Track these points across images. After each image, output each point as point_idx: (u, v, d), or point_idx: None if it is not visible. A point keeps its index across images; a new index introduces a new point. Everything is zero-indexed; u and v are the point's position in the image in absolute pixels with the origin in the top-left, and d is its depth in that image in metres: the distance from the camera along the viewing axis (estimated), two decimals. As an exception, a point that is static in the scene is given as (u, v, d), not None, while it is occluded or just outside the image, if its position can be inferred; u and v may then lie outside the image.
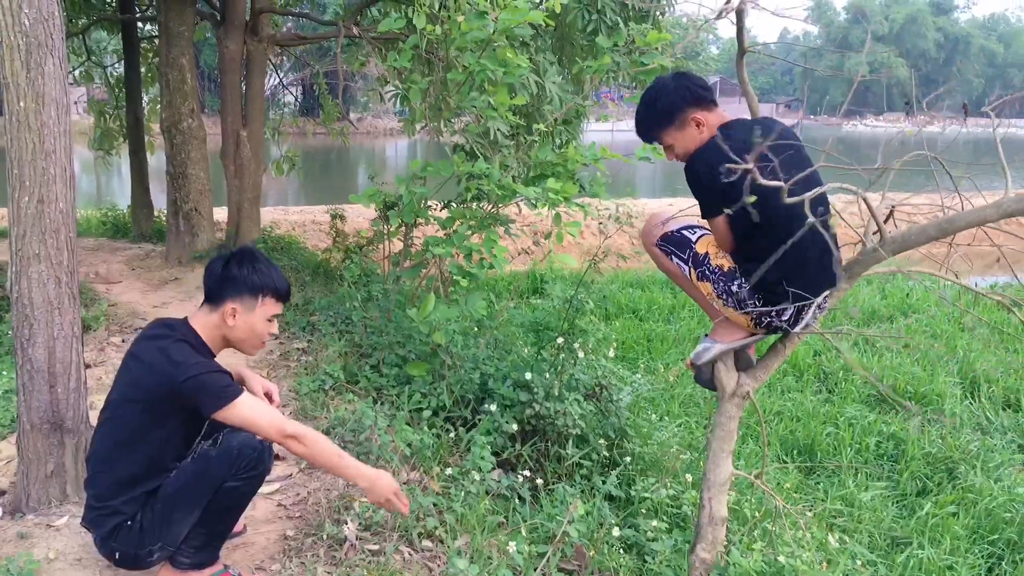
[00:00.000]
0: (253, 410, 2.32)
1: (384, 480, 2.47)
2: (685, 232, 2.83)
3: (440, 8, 4.59)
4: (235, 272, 2.42)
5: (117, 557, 2.39)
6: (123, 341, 5.18)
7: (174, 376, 2.25)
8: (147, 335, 2.42)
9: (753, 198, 1.86)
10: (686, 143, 2.71)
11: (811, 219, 1.81)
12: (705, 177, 2.58)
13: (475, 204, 4.65)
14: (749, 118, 2.90)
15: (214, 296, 2.44)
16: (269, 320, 2.49)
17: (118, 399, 2.38)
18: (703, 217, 2.72)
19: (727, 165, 1.77)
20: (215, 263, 2.46)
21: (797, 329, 2.72)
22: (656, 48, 4.57)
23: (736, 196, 2.38)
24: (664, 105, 2.70)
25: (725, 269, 2.70)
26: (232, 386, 2.32)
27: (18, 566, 2.45)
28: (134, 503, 2.35)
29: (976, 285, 2.93)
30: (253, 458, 2.34)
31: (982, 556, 4.08)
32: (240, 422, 2.31)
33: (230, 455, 2.32)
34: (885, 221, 2.60)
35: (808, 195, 1.86)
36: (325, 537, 2.83)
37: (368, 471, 2.46)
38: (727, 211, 2.37)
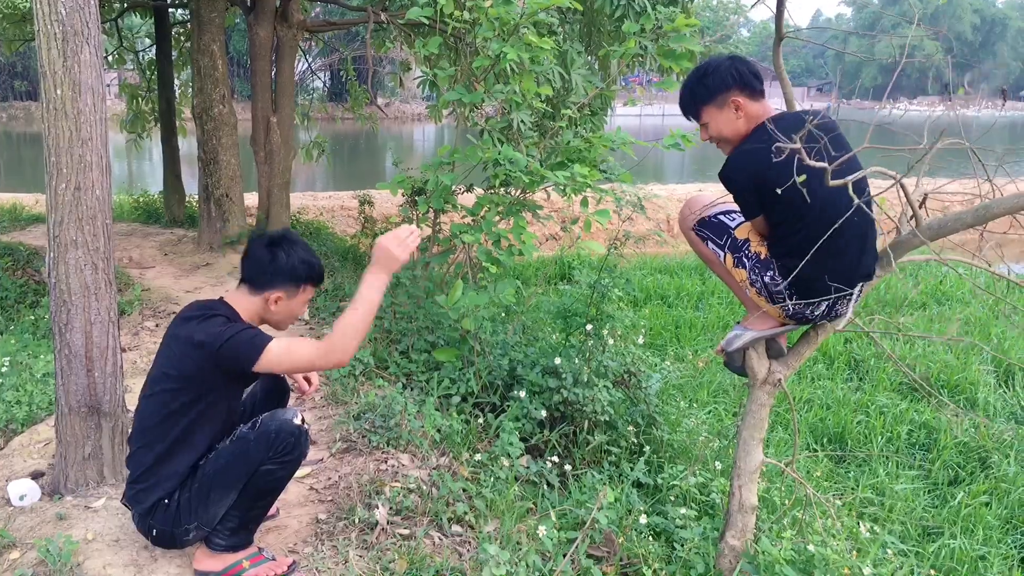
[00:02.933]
0: (289, 347, 2.34)
1: (385, 254, 2.39)
2: (723, 218, 2.81)
3: (468, -6, 4.57)
4: (283, 262, 2.47)
5: (154, 534, 2.44)
6: (156, 326, 5.26)
7: (210, 346, 2.31)
8: (184, 315, 2.47)
9: (803, 178, 1.84)
10: (720, 125, 2.70)
11: (857, 201, 1.79)
12: (740, 182, 2.60)
13: (503, 190, 4.64)
14: (787, 112, 2.86)
15: (258, 282, 2.49)
16: (305, 304, 2.60)
17: (157, 377, 2.43)
18: (744, 218, 2.72)
19: (777, 145, 1.75)
20: (259, 249, 2.49)
21: (838, 326, 2.69)
22: (684, 33, 4.52)
23: (771, 195, 2.37)
24: (709, 82, 2.68)
25: (762, 257, 2.68)
26: (261, 335, 2.36)
27: (57, 546, 2.50)
28: (172, 481, 2.40)
29: (1009, 272, 2.88)
30: (290, 442, 2.38)
31: (1015, 546, 4.04)
32: (279, 362, 2.32)
33: (268, 438, 2.35)
34: (919, 208, 2.56)
35: (850, 177, 1.84)
36: (356, 521, 2.86)
37: (377, 276, 2.39)
38: (778, 191, 2.35)
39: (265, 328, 2.51)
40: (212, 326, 2.36)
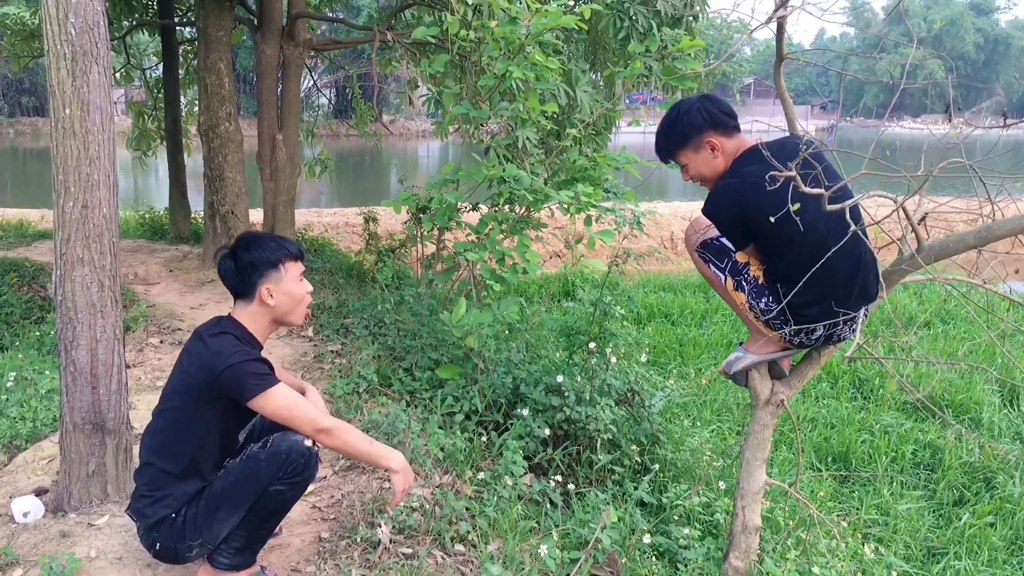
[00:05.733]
0: (289, 401, 2.36)
1: (408, 467, 2.51)
2: (725, 241, 2.82)
3: (473, 14, 4.61)
4: (248, 258, 2.47)
5: (157, 548, 2.44)
6: (161, 342, 5.27)
7: (215, 365, 2.32)
8: (198, 331, 2.49)
9: (797, 207, 1.86)
10: (699, 166, 2.74)
11: (853, 228, 1.80)
12: (724, 216, 2.64)
13: (507, 207, 4.66)
14: (772, 140, 2.87)
15: (242, 290, 2.50)
16: (299, 280, 2.54)
17: (169, 393, 2.45)
18: (735, 248, 2.74)
19: (772, 174, 1.76)
20: (225, 264, 2.51)
21: (846, 352, 2.69)
22: (689, 54, 4.56)
23: (757, 225, 2.38)
24: (682, 126, 2.71)
25: (760, 282, 2.69)
26: (270, 375, 2.37)
27: (60, 564, 2.50)
28: (180, 496, 2.41)
29: (1011, 292, 2.88)
30: (300, 463, 2.38)
31: (1020, 567, 4.02)
32: (274, 411, 2.35)
33: (278, 458, 2.36)
34: (918, 225, 2.57)
35: (843, 204, 1.85)
36: (359, 539, 2.86)
37: (398, 455, 2.49)
38: (771, 219, 2.36)
39: (272, 344, 2.51)
40: (221, 345, 2.37)
